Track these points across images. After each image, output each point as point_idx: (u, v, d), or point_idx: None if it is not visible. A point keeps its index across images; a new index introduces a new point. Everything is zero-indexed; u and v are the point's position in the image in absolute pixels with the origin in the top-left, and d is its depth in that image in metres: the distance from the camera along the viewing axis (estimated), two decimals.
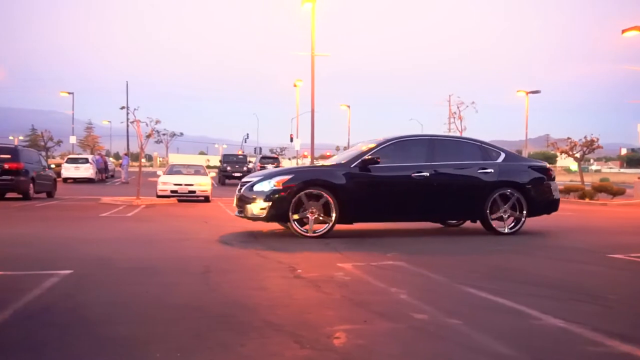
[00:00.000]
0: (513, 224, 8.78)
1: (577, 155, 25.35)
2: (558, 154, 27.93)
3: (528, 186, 8.87)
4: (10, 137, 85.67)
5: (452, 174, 8.60)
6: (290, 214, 7.77)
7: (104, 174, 37.34)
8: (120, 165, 38.34)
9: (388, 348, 2.98)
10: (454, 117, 20.17)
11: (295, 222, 7.82)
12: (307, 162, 46.16)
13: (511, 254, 6.78)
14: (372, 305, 3.90)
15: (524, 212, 8.75)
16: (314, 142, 23.01)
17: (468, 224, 10.00)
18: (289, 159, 69.12)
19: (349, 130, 56.53)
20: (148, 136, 17.80)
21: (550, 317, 3.60)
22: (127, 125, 37.52)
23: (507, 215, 8.74)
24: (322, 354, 2.83)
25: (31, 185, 17.02)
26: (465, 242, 7.99)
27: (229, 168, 32.92)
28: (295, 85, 41.94)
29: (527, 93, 41.11)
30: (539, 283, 4.85)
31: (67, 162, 33.02)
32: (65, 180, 31.21)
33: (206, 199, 17.57)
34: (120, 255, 6.13)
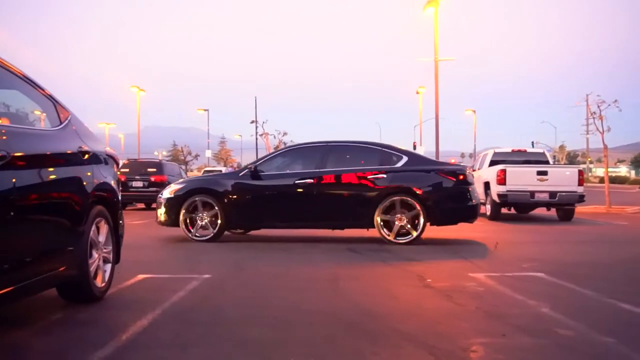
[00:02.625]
0: (414, 232, 7.81)
1: None
2: None
3: (428, 192, 7.94)
4: (155, 153, 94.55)
5: (339, 180, 8.19)
6: (180, 219, 8.29)
7: None
8: None
9: None
10: (594, 118, 18.49)
11: (186, 228, 8.26)
12: None
13: None
14: (509, 318, 3.65)
15: (422, 220, 7.77)
16: (439, 149, 22.49)
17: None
18: None
19: (474, 136, 54.56)
20: (276, 148, 18.61)
21: None
22: (256, 139, 39.54)
23: (401, 224, 7.81)
24: None
25: None
26: (607, 250, 7.26)
27: None
28: (417, 92, 41.42)
29: None
30: None
31: (203, 174, 35.70)
32: None
33: None
34: (254, 261, 6.42)
